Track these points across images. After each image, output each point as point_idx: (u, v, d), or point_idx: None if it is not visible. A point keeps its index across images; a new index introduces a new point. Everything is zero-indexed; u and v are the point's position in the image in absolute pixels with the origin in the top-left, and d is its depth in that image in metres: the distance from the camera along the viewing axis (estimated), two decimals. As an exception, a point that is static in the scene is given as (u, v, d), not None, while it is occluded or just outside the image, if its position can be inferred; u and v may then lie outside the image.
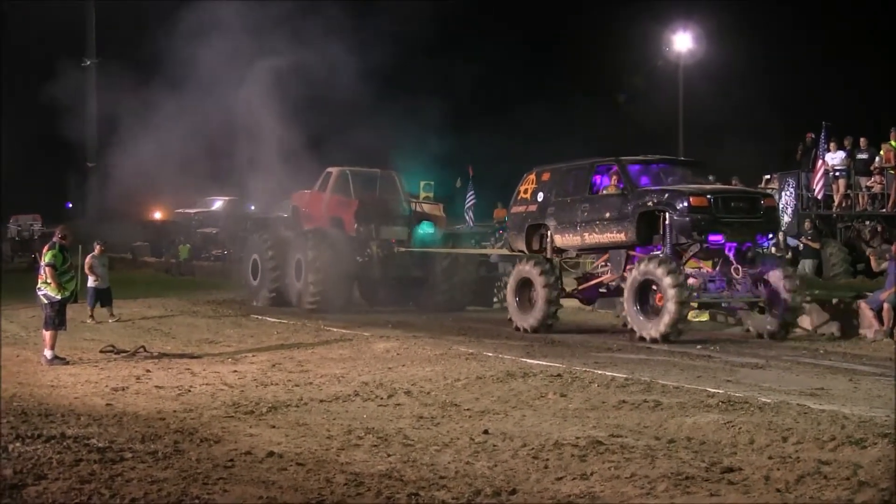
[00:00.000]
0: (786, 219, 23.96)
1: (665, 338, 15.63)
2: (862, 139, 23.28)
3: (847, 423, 8.67)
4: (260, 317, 20.78)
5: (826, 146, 23.11)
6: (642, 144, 32.54)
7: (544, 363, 13.07)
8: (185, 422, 9.32)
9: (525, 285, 18.27)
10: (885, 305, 15.97)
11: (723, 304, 17.35)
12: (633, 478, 7.12)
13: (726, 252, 16.56)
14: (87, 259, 19.96)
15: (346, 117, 29.68)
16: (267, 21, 27.67)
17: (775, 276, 16.39)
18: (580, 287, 18.67)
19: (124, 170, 31.20)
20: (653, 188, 17.18)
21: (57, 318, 13.75)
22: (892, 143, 22.36)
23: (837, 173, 23.25)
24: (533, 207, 18.81)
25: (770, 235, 17.91)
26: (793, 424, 8.65)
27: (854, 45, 45.52)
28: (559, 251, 18.57)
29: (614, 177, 17.58)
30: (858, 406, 9.76)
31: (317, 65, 26.27)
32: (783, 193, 24.33)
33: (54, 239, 14.28)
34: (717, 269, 16.80)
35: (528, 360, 13.42)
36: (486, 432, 8.70)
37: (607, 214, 17.25)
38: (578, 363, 13.10)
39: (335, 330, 17.83)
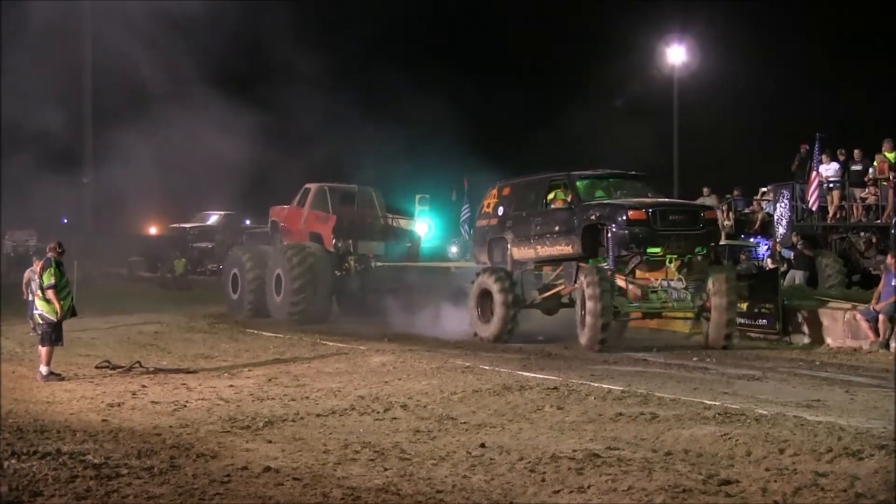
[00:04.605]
0: (780, 230, 24.03)
1: (590, 347, 16.24)
2: (856, 150, 23.34)
3: (844, 434, 8.68)
4: (256, 331, 20.77)
5: (820, 157, 23.19)
6: (637, 157, 32.63)
7: (541, 376, 13.06)
8: (181, 437, 9.30)
9: (485, 296, 18.66)
10: (881, 316, 15.97)
11: (662, 314, 17.82)
12: (630, 491, 7.12)
13: (667, 264, 17.08)
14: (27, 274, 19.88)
15: (346, 133, 29.87)
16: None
17: (714, 286, 16.80)
18: (540, 298, 19.04)
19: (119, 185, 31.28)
20: (596, 202, 17.62)
21: (53, 333, 13.70)
22: (886, 154, 22.40)
23: (832, 184, 23.31)
24: (494, 221, 19.52)
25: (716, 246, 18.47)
26: (790, 436, 8.65)
27: (848, 56, 45.75)
28: (519, 264, 19.02)
29: (564, 191, 18.08)
30: (855, 417, 9.76)
31: (321, 79, 26.46)
32: (778, 205, 24.40)
33: (48, 254, 14.09)
34: (660, 279, 17.22)
35: (525, 373, 13.42)
36: (482, 446, 8.70)
37: (556, 228, 17.85)
38: (575, 376, 13.09)
39: (331, 344, 17.83)
